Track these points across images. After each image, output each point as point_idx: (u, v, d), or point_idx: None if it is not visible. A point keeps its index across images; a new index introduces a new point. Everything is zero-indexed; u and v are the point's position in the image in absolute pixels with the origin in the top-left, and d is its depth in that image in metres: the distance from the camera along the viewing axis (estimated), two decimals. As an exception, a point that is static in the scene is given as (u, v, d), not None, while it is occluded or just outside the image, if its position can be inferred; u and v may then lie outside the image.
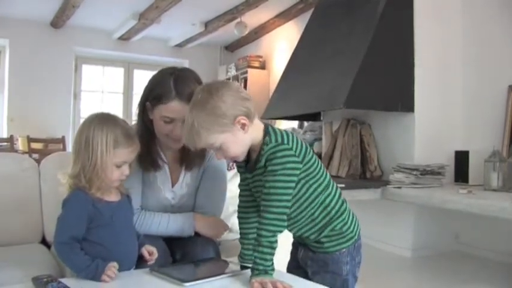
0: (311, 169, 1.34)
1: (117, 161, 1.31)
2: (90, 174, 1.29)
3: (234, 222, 2.06)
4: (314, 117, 4.44)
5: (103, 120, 1.33)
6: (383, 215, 3.73)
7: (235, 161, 1.43)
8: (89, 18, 6.34)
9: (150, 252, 1.40)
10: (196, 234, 1.62)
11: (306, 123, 5.07)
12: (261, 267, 1.22)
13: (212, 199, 1.70)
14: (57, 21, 6.45)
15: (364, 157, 3.74)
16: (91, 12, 6.07)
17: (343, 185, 3.13)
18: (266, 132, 1.31)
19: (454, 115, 3.69)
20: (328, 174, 1.42)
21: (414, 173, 3.23)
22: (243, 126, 1.26)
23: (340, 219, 1.40)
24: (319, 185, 1.37)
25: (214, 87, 1.26)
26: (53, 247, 1.31)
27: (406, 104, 3.50)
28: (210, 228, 1.64)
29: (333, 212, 1.39)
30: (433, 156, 3.44)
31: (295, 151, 1.28)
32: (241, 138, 1.27)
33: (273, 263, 1.25)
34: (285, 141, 1.28)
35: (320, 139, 4.42)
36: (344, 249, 1.41)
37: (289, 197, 1.27)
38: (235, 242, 2.04)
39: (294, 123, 5.52)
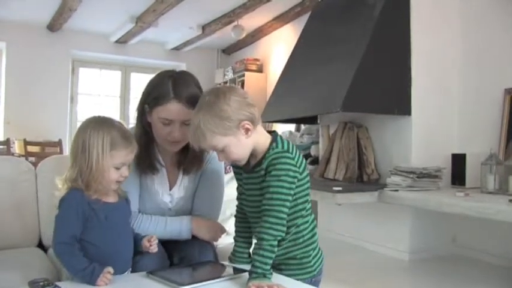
0: (301, 188, 1.35)
1: (116, 163, 1.31)
2: (87, 177, 1.29)
3: (231, 225, 2.05)
4: (311, 120, 4.45)
5: (99, 123, 1.33)
6: (380, 218, 3.73)
7: (232, 165, 1.44)
8: (86, 21, 6.33)
9: (149, 240, 1.40)
10: (194, 237, 1.61)
11: (303, 126, 5.07)
12: (259, 271, 1.22)
13: (210, 202, 1.70)
14: (54, 24, 6.44)
15: (361, 160, 3.74)
16: (88, 16, 6.07)
17: (340, 188, 3.14)
18: (274, 139, 1.34)
19: (450, 118, 3.70)
20: (311, 203, 1.41)
21: (411, 176, 3.24)
22: (247, 131, 1.30)
23: (304, 250, 1.39)
24: (301, 209, 1.37)
25: (222, 91, 1.31)
26: (52, 247, 1.29)
27: (403, 107, 3.51)
28: (207, 231, 1.63)
29: (301, 240, 1.39)
30: (430, 159, 3.45)
31: (296, 163, 1.32)
32: (244, 142, 1.30)
33: (271, 267, 1.25)
34: (290, 151, 1.32)
35: (317, 142, 4.43)
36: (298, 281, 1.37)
37: (290, 203, 1.29)
38: (232, 245, 2.04)
39: (291, 126, 5.52)
